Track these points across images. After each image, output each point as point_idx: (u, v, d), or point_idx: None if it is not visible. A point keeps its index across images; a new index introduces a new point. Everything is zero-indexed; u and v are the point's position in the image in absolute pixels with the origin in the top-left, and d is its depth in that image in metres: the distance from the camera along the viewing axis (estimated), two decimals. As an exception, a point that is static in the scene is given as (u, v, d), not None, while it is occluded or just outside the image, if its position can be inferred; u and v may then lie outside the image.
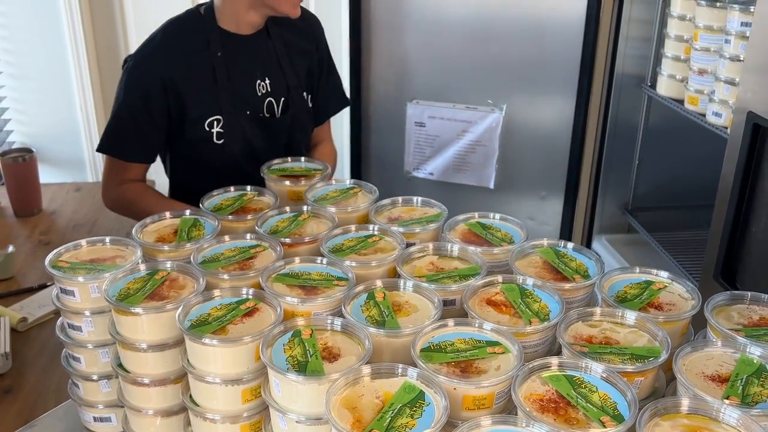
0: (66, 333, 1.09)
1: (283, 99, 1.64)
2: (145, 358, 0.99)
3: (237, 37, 1.58)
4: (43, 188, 2.21)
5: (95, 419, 1.13)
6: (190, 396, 0.97)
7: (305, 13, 1.67)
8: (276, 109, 1.63)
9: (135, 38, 2.67)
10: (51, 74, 2.66)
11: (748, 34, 1.59)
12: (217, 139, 1.57)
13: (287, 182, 1.39)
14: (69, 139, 2.79)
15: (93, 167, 2.87)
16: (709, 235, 1.56)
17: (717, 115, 1.79)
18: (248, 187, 1.33)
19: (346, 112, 2.65)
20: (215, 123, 1.56)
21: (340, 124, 2.77)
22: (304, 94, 1.68)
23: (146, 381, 1.00)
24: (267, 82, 1.61)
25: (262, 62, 1.61)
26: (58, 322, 1.11)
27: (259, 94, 1.61)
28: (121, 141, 1.57)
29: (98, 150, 1.60)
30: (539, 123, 2.47)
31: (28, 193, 2.13)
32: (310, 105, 1.71)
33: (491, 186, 2.52)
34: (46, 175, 2.33)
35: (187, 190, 1.57)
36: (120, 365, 1.02)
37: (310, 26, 1.70)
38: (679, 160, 2.33)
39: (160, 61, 1.53)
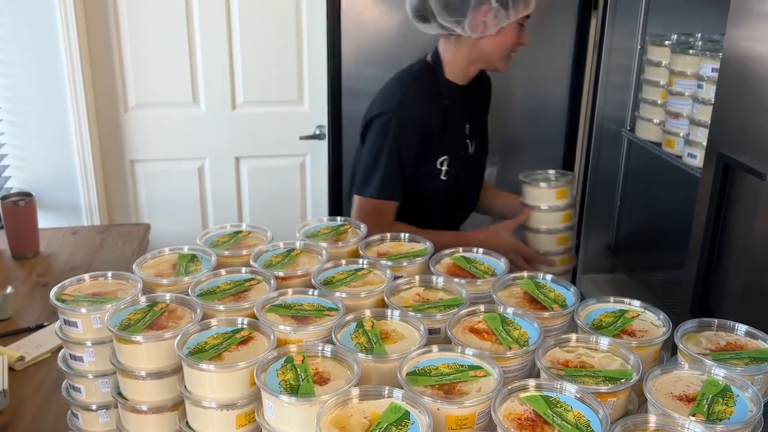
0: (67, 364, 1.13)
1: (475, 140, 1.93)
2: (144, 385, 1.03)
3: (457, 87, 1.87)
4: (41, 232, 2.26)
5: (93, 449, 1.16)
6: (187, 422, 1.01)
7: None
8: (473, 149, 1.93)
9: (133, 87, 2.75)
10: (50, 122, 2.72)
11: (718, 80, 1.69)
12: (444, 176, 1.84)
13: (543, 184, 1.79)
14: (66, 185, 2.84)
15: (89, 213, 2.91)
16: (684, 271, 1.63)
17: (692, 156, 1.88)
18: (243, 225, 1.40)
19: (324, 167, 2.74)
20: (444, 162, 1.83)
21: (322, 181, 2.83)
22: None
23: (144, 408, 1.04)
24: (468, 126, 1.90)
25: (467, 109, 1.90)
26: (60, 353, 1.16)
27: (465, 135, 1.90)
28: (392, 186, 1.81)
29: (375, 196, 1.80)
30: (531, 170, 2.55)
31: (26, 236, 2.18)
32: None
33: None
34: (42, 221, 2.38)
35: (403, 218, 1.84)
36: (119, 393, 1.06)
37: (487, 80, 2.01)
38: (660, 201, 2.41)
39: (419, 111, 1.81)
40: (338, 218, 1.43)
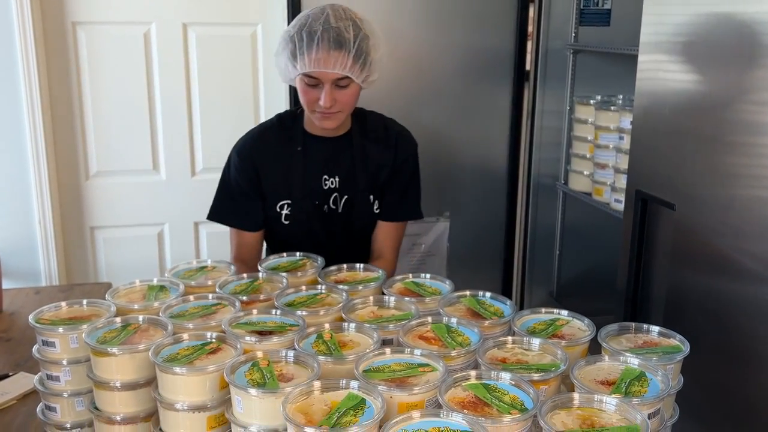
0: (44, 384, 1.20)
1: (346, 197, 1.87)
2: (119, 396, 1.11)
3: (316, 138, 1.86)
4: (3, 292, 2.30)
5: (66, 468, 1.22)
6: (160, 429, 1.09)
7: (398, 132, 1.92)
8: (339, 204, 1.87)
9: (94, 155, 2.84)
10: (11, 190, 2.77)
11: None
12: (285, 219, 1.86)
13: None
14: (27, 251, 2.87)
15: (49, 279, 2.95)
16: (616, 299, 1.79)
17: (618, 201, 2.07)
18: (208, 261, 1.50)
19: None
20: (285, 206, 1.85)
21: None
22: (371, 197, 1.89)
23: (118, 419, 1.12)
24: (336, 179, 1.86)
25: (335, 162, 1.86)
26: (36, 376, 1.23)
27: (325, 188, 1.86)
28: (225, 210, 1.92)
29: (208, 217, 1.92)
30: (477, 225, 2.73)
31: (-10, 293, 2.22)
32: (376, 210, 1.90)
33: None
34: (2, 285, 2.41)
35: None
36: (95, 407, 1.14)
37: (397, 144, 1.90)
38: (595, 247, 2.59)
39: (252, 147, 1.87)
40: (297, 253, 1.55)
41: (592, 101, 2.31)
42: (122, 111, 2.79)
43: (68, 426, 1.20)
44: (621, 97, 2.34)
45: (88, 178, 2.88)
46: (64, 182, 2.85)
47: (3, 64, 2.60)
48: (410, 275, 1.43)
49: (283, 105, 2.76)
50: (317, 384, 0.99)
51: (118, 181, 2.89)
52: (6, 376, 1.83)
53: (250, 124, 2.88)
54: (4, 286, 2.57)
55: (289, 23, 2.59)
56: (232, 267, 1.46)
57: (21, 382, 1.75)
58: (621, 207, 2.05)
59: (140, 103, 2.80)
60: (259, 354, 1.08)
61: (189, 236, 3.00)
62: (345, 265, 1.48)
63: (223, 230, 3.01)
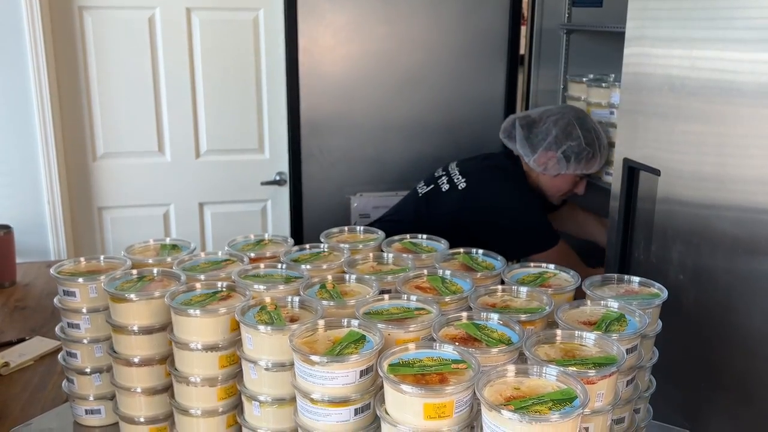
0: (65, 332, 1.29)
1: None
2: (136, 340, 1.20)
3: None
4: (17, 266, 2.38)
5: (86, 412, 1.30)
6: (175, 368, 1.17)
7: None
8: None
9: (101, 138, 2.91)
10: (21, 171, 2.84)
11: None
12: None
13: None
14: (36, 231, 2.95)
15: (57, 256, 3.03)
16: (605, 266, 1.87)
17: (609, 174, 2.15)
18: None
19: (285, 210, 2.96)
20: None
21: (283, 223, 3.04)
22: None
23: (136, 360, 1.20)
24: None
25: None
26: (57, 326, 1.31)
27: None
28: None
29: (557, 243, 2.22)
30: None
31: (4, 265, 2.30)
32: None
33: None
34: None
35: None
36: (113, 350, 1.22)
37: None
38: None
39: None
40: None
41: (584, 79, 2.39)
42: (128, 94, 2.86)
43: (88, 371, 1.28)
44: (612, 75, 2.42)
45: (96, 159, 2.95)
46: (72, 164, 2.92)
47: (12, 49, 2.67)
48: (408, 236, 1.51)
49: (282, 88, 2.83)
50: (321, 323, 1.08)
51: (124, 163, 2.96)
52: (23, 340, 1.92)
53: (252, 108, 2.97)
54: (17, 261, 2.65)
55: (287, 9, 2.68)
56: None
57: (37, 345, 1.84)
58: (611, 180, 2.13)
59: (146, 86, 2.87)
60: (267, 299, 1.17)
61: (194, 216, 3.08)
62: (346, 228, 1.56)
63: (226, 211, 3.12)
